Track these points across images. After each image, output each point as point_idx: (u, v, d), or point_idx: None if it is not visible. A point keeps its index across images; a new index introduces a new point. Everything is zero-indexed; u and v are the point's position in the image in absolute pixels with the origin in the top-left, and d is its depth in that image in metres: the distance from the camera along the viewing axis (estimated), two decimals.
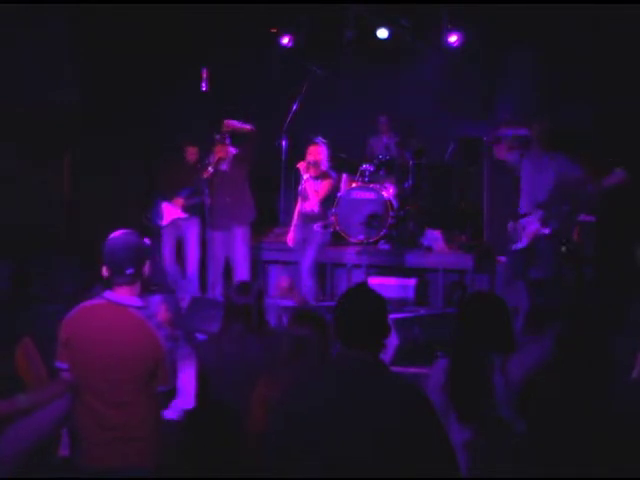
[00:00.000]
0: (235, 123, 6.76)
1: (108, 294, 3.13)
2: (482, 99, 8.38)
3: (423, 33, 8.60)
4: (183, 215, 7.25)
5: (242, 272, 7.06)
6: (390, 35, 8.64)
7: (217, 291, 7.16)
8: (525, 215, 6.06)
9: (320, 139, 6.91)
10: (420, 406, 2.48)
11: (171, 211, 7.26)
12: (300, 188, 6.95)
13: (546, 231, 5.98)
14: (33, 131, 6.89)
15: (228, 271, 7.27)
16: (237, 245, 7.05)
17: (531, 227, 6.01)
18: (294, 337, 3.41)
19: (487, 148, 7.72)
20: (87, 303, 3.18)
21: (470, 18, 8.20)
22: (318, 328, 3.39)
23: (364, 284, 3.02)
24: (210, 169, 6.87)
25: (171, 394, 3.19)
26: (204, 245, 7.39)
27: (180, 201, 7.21)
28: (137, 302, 3.12)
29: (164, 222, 7.23)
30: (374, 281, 7.39)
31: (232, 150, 6.97)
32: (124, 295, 3.11)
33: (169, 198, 7.23)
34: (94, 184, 7.51)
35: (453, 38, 8.45)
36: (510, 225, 6.18)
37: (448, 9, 8.32)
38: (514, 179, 6.79)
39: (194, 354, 3.96)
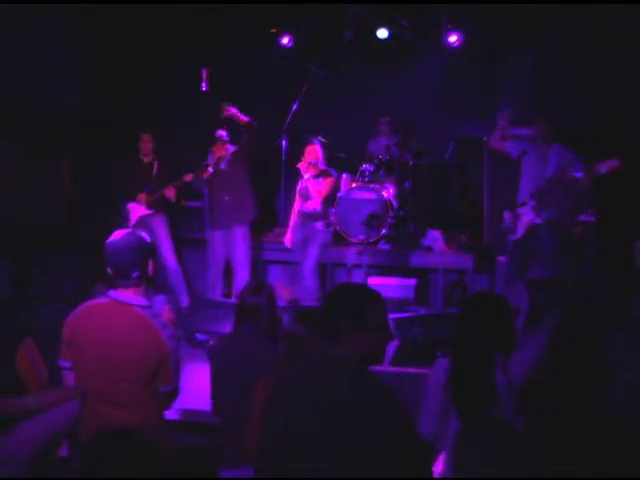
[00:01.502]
0: (235, 111, 6.74)
1: (113, 293, 3.12)
2: (482, 99, 8.37)
3: (423, 33, 8.59)
4: (148, 212, 7.26)
5: (242, 272, 7.06)
6: (390, 35, 8.63)
7: (217, 291, 7.16)
8: (521, 205, 6.17)
9: (316, 139, 6.91)
10: (392, 408, 2.43)
11: (136, 210, 7.27)
12: (300, 188, 6.95)
13: (539, 220, 6.11)
14: (33, 131, 6.89)
15: (228, 271, 7.27)
16: (237, 245, 7.05)
17: (526, 217, 6.13)
18: (290, 336, 3.40)
19: (487, 148, 7.73)
20: (91, 302, 3.17)
21: (470, 18, 8.19)
22: (313, 326, 3.37)
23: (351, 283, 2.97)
24: (210, 169, 6.87)
25: (173, 394, 3.18)
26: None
27: (143, 197, 7.21)
28: (142, 301, 3.11)
29: (132, 222, 7.23)
30: (374, 281, 7.40)
31: (230, 148, 6.97)
32: (129, 294, 3.10)
33: (132, 197, 7.24)
34: (94, 184, 7.51)
35: (453, 38, 8.44)
36: (506, 215, 6.26)
37: (448, 9, 8.31)
38: (514, 179, 6.81)
39: (206, 356, 3.95)
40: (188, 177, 7.05)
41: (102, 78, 7.42)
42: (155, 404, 3.11)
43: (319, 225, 6.79)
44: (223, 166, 6.96)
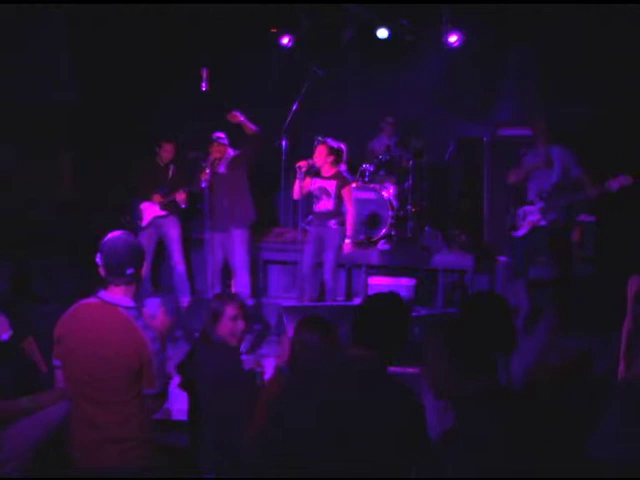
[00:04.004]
0: (242, 117, 6.73)
1: (102, 293, 3.14)
2: (482, 99, 8.38)
3: (423, 33, 8.59)
4: (162, 213, 7.25)
5: (242, 273, 7.06)
6: (390, 35, 8.64)
7: (217, 291, 7.15)
8: (529, 203, 6.20)
9: (330, 139, 6.87)
10: (414, 411, 2.48)
11: (150, 210, 7.26)
12: (313, 190, 6.82)
13: (543, 222, 6.13)
14: (33, 131, 6.89)
15: (228, 272, 7.27)
16: (236, 247, 7.04)
17: (531, 217, 6.15)
18: (301, 343, 3.40)
19: (487, 148, 7.75)
20: (82, 302, 3.19)
21: (470, 18, 8.19)
22: (325, 334, 3.39)
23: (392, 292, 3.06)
24: (207, 170, 6.86)
25: (160, 397, 3.15)
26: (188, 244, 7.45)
27: (158, 198, 7.20)
28: (128, 302, 3.11)
29: (144, 222, 7.22)
30: (374, 281, 7.39)
31: (230, 151, 6.95)
32: (117, 295, 3.11)
33: (147, 197, 7.24)
34: (94, 184, 7.51)
35: (453, 38, 8.44)
36: (518, 212, 6.29)
37: (448, 9, 8.31)
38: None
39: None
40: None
41: (102, 77, 7.41)
42: (139, 406, 3.09)
43: (332, 224, 6.74)
44: (222, 169, 6.94)
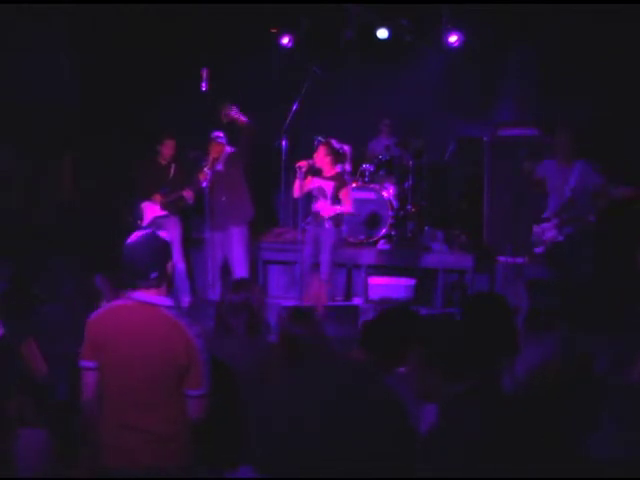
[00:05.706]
0: (235, 112, 6.73)
1: (136, 295, 3.06)
2: (482, 99, 8.38)
3: (423, 33, 8.60)
4: (163, 213, 7.25)
5: (240, 272, 7.06)
6: (390, 35, 8.64)
7: (217, 291, 7.16)
8: (545, 220, 6.16)
9: (334, 140, 6.85)
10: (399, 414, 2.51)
11: (151, 210, 7.26)
12: (312, 189, 6.82)
13: (561, 238, 6.07)
14: (33, 131, 6.89)
15: (228, 270, 7.28)
16: (234, 246, 7.05)
17: (549, 234, 6.10)
18: (288, 336, 3.41)
19: (487, 148, 7.75)
20: (115, 304, 3.13)
21: (470, 18, 8.20)
22: (312, 327, 3.39)
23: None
24: (206, 170, 6.87)
25: (204, 399, 3.04)
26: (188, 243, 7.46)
27: (158, 198, 7.21)
28: (167, 301, 3.06)
29: (144, 222, 7.22)
30: (374, 281, 7.40)
31: (228, 149, 6.97)
32: (152, 295, 3.05)
33: (148, 196, 7.24)
34: (94, 184, 7.51)
35: (453, 38, 8.44)
36: (535, 229, 6.23)
37: (448, 9, 8.32)
38: (514, 179, 6.80)
39: None
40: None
41: (102, 78, 7.42)
42: (182, 408, 3.02)
43: (328, 224, 6.73)
44: (219, 167, 6.97)
